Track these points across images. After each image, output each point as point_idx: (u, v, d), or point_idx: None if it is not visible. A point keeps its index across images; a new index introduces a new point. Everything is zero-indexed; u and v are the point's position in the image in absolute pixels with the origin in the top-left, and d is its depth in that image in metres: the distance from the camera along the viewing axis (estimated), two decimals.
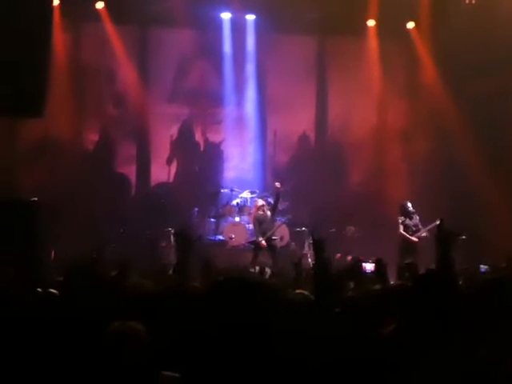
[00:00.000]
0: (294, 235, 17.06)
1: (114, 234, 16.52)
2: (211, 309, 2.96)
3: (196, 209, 17.65)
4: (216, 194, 17.71)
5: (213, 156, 19.23)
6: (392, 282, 7.17)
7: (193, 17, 17.67)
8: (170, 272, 12.34)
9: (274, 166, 19.26)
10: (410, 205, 15.27)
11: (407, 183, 17.71)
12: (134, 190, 18.88)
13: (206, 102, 19.24)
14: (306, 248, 16.36)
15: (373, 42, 18.80)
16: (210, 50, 18.96)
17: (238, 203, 17.56)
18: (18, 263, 7.30)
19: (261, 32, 18.62)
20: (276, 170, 19.13)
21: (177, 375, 3.18)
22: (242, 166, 19.07)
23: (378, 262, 7.03)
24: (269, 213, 15.41)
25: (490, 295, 3.18)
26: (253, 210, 15.96)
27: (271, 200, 16.39)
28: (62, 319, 4.03)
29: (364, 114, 18.94)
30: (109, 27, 17.90)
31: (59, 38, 17.14)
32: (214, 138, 19.32)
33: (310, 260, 15.13)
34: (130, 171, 18.80)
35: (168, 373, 3.26)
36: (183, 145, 19.12)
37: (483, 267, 13.18)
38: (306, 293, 5.09)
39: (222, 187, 17.96)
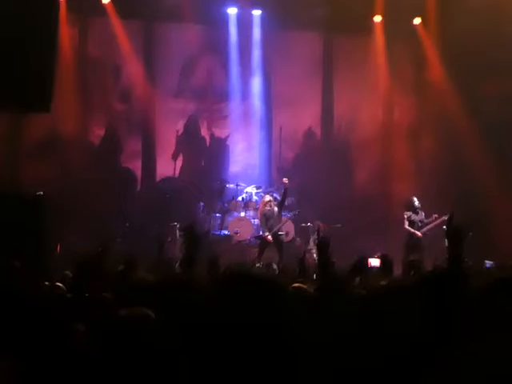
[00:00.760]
0: (299, 231, 17.09)
1: (120, 228, 16.55)
2: (217, 304, 2.95)
3: (201, 204, 17.64)
4: (221, 189, 17.69)
5: (218, 151, 19.23)
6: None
7: (199, 12, 17.70)
8: (176, 267, 12.39)
9: (280, 162, 19.25)
10: (416, 200, 15.27)
11: (414, 181, 17.68)
12: (140, 184, 18.89)
13: (211, 98, 19.25)
14: (311, 244, 16.36)
15: (379, 39, 18.76)
16: (217, 45, 18.97)
17: (243, 198, 17.56)
18: (24, 257, 7.34)
19: (267, 27, 18.61)
20: (281, 165, 19.13)
21: None
22: (247, 161, 19.09)
23: (383, 258, 7.04)
24: (276, 208, 15.48)
25: (501, 294, 3.16)
26: (260, 206, 16.01)
27: (277, 195, 16.44)
28: (73, 312, 4.06)
29: (370, 111, 18.91)
30: (115, 22, 17.91)
31: (65, 32, 17.16)
32: (219, 133, 19.32)
33: (314, 256, 15.13)
34: (136, 166, 18.80)
35: None
36: (189, 140, 19.11)
37: (488, 263, 13.17)
38: (304, 286, 5.11)
39: (228, 182, 17.95)
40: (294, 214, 16.61)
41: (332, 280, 4.89)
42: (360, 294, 4.74)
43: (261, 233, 15.66)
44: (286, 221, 16.03)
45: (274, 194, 16.64)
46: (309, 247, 16.21)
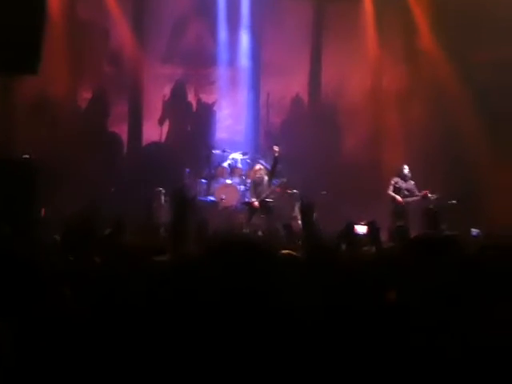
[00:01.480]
0: (285, 197, 17.10)
1: (106, 192, 16.53)
2: (208, 270, 2.96)
3: (187, 169, 17.60)
4: (208, 154, 17.66)
5: (205, 117, 19.17)
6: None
7: None
8: (162, 231, 12.42)
9: (267, 128, 19.23)
10: (407, 168, 15.37)
11: (403, 148, 17.66)
12: (126, 148, 18.84)
13: (199, 63, 19.14)
14: (296, 210, 16.39)
15: (369, 6, 18.66)
16: (206, 11, 18.81)
17: (229, 164, 17.55)
18: (14, 221, 7.33)
19: None
20: (269, 129, 19.12)
21: None
22: (234, 128, 19.06)
23: (370, 225, 7.02)
24: (266, 177, 15.73)
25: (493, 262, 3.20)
26: (251, 173, 16.21)
27: (263, 162, 16.54)
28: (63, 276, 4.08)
29: (359, 79, 18.83)
30: None
31: None
32: (206, 98, 19.24)
33: (299, 222, 15.15)
34: (122, 130, 18.72)
35: None
36: (176, 105, 19.03)
37: (474, 231, 13.24)
38: (293, 253, 5.13)
39: (214, 148, 17.91)
40: (282, 182, 16.63)
41: (317, 243, 4.89)
42: (348, 261, 4.77)
43: (247, 199, 15.84)
44: (275, 188, 16.14)
45: (261, 161, 16.69)
46: (294, 214, 16.23)
